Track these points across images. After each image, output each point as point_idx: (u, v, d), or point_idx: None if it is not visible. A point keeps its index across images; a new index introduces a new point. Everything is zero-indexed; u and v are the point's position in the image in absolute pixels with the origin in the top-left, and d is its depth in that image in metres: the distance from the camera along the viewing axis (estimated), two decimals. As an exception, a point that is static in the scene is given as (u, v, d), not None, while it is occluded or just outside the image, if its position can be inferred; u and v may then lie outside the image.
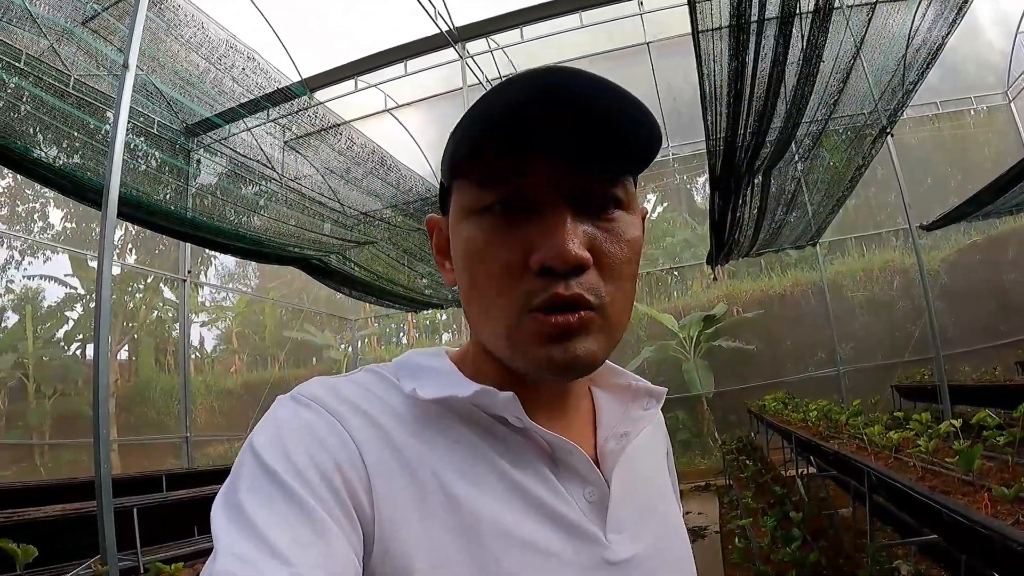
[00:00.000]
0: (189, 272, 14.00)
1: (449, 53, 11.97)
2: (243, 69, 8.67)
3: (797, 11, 5.81)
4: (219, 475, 10.58)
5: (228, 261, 26.63)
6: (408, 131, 15.51)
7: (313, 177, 10.80)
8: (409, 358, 0.91)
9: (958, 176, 17.46)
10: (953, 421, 4.73)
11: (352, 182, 10.90)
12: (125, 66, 5.31)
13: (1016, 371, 11.39)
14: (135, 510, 6.53)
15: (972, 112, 17.65)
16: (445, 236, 0.90)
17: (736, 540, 6.93)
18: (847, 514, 7.04)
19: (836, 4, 6.02)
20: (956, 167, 17.91)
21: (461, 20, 11.15)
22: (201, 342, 29.37)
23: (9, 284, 25.52)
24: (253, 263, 25.78)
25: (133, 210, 7.46)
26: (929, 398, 10.14)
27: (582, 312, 0.75)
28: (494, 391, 0.79)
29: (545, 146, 0.74)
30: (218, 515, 0.67)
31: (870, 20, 6.89)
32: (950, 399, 8.76)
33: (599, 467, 0.87)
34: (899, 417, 6.05)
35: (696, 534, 9.41)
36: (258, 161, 10.14)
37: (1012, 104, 16.98)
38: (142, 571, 5.52)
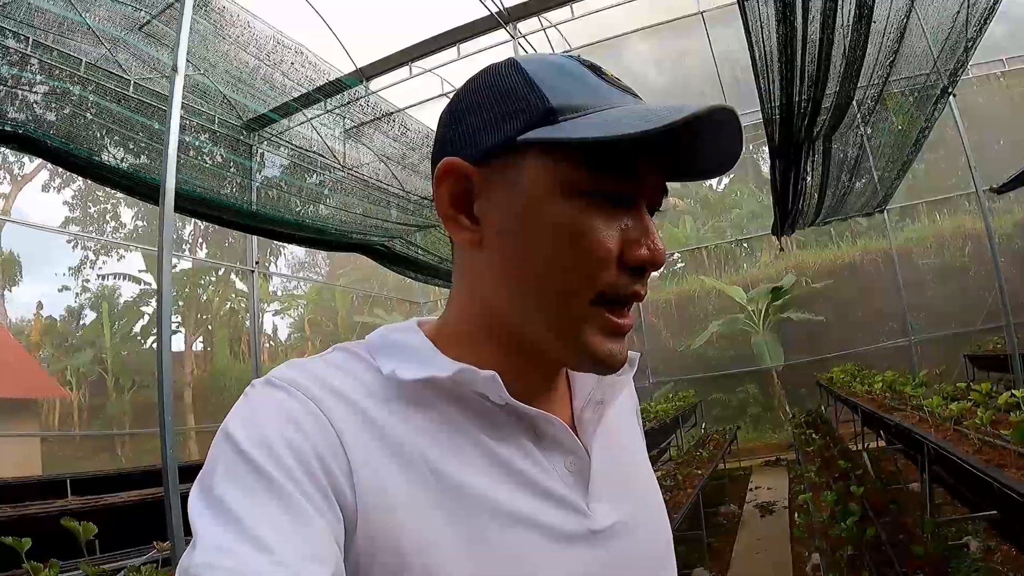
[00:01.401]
0: (257, 263, 14.09)
1: (501, 34, 11.95)
2: (292, 63, 8.77)
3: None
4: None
5: (299, 251, 27.19)
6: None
7: (372, 164, 10.88)
8: (383, 335, 0.89)
9: (1029, 137, 16.82)
10: (1016, 392, 4.60)
11: (409, 167, 10.96)
12: (174, 69, 5.39)
13: None
14: None
15: None
16: (465, 187, 0.81)
17: (798, 515, 6.85)
18: (916, 488, 6.91)
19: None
20: (1024, 127, 17.29)
21: (511, 0, 11.05)
22: (274, 330, 30.05)
23: (85, 283, 26.35)
24: (323, 252, 26.20)
25: (198, 205, 7.68)
26: (1002, 368, 9.84)
27: (629, 312, 0.80)
28: (475, 370, 0.78)
29: (654, 151, 0.76)
30: (195, 504, 0.66)
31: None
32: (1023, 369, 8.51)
33: (578, 436, 0.87)
34: (963, 388, 5.90)
35: (765, 509, 9.34)
36: (316, 152, 10.26)
37: None
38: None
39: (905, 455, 6.74)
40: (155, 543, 4.93)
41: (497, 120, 0.78)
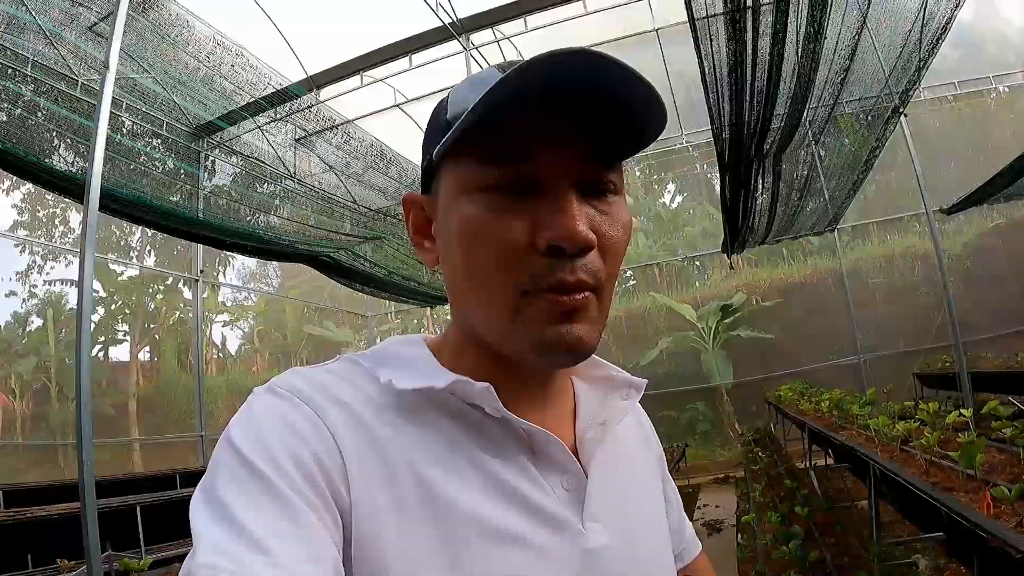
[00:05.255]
0: (202, 272, 14.03)
1: (454, 45, 12.00)
2: (232, 66, 8.66)
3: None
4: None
5: (250, 262, 26.99)
6: (417, 124, 15.49)
7: (320, 175, 10.82)
8: (386, 347, 0.90)
9: (980, 158, 17.18)
10: (964, 411, 4.58)
11: (353, 177, 10.91)
12: (105, 66, 5.32)
13: None
14: (138, 508, 6.65)
15: (992, 91, 17.39)
16: (426, 216, 0.89)
17: (742, 536, 6.81)
18: (865, 506, 6.89)
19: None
20: (978, 149, 17.73)
21: (464, 11, 11.09)
22: (224, 342, 29.67)
23: (32, 289, 25.85)
24: (274, 263, 26.07)
25: (143, 212, 7.54)
26: (950, 386, 9.94)
27: (586, 293, 0.76)
28: (470, 381, 0.78)
29: (554, 128, 0.74)
30: (197, 508, 0.67)
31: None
32: (972, 387, 8.57)
33: (578, 456, 0.86)
34: (910, 407, 5.89)
35: (712, 527, 9.31)
36: (262, 161, 10.17)
37: None
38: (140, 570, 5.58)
39: (853, 473, 6.73)
40: (59, 560, 4.80)
41: (426, 149, 0.85)
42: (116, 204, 6.96)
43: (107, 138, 6.60)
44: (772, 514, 5.86)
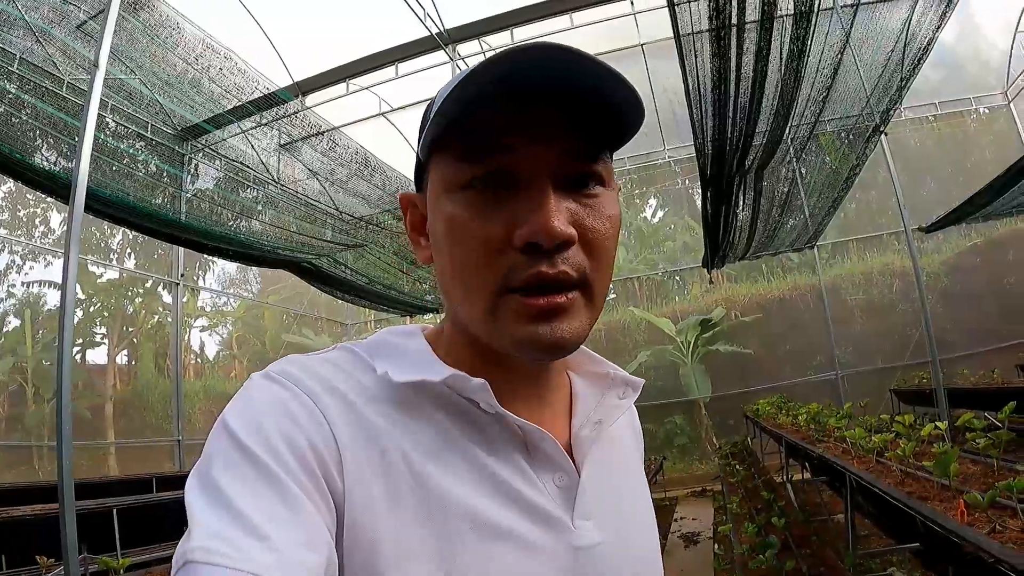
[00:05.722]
0: (182, 276, 13.96)
1: (441, 55, 12.05)
2: (220, 69, 8.62)
3: (776, 13, 5.76)
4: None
5: (230, 267, 26.82)
6: (402, 133, 15.50)
7: (304, 181, 10.80)
8: (383, 337, 0.90)
9: (959, 178, 17.44)
10: (939, 424, 4.64)
11: (337, 183, 10.90)
12: (95, 64, 5.30)
13: (1016, 373, 11.22)
14: (115, 511, 6.57)
15: (972, 112, 17.66)
16: (420, 213, 0.90)
17: (717, 547, 6.85)
18: (841, 520, 6.94)
19: (822, 5, 5.95)
20: (957, 168, 17.96)
21: (452, 22, 11.17)
22: (202, 347, 29.48)
23: (11, 289, 25.65)
24: (254, 269, 25.92)
25: (125, 213, 7.49)
26: (927, 402, 10.06)
27: (569, 294, 0.75)
28: (467, 376, 0.78)
29: (529, 122, 0.74)
30: (192, 491, 0.66)
31: (855, 14, 6.80)
32: (948, 403, 8.67)
33: (572, 453, 0.86)
34: (887, 420, 5.95)
35: (689, 540, 9.33)
36: (246, 165, 10.14)
37: (1012, 104, 16.90)
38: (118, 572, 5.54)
39: (830, 487, 6.78)
40: (38, 558, 4.79)
41: (421, 147, 0.83)
42: (99, 204, 6.93)
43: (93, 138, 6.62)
44: (749, 525, 5.90)
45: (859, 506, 4.99)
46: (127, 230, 19.87)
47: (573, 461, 0.85)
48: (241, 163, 10.10)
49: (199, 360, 28.18)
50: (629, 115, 0.76)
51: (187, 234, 8.55)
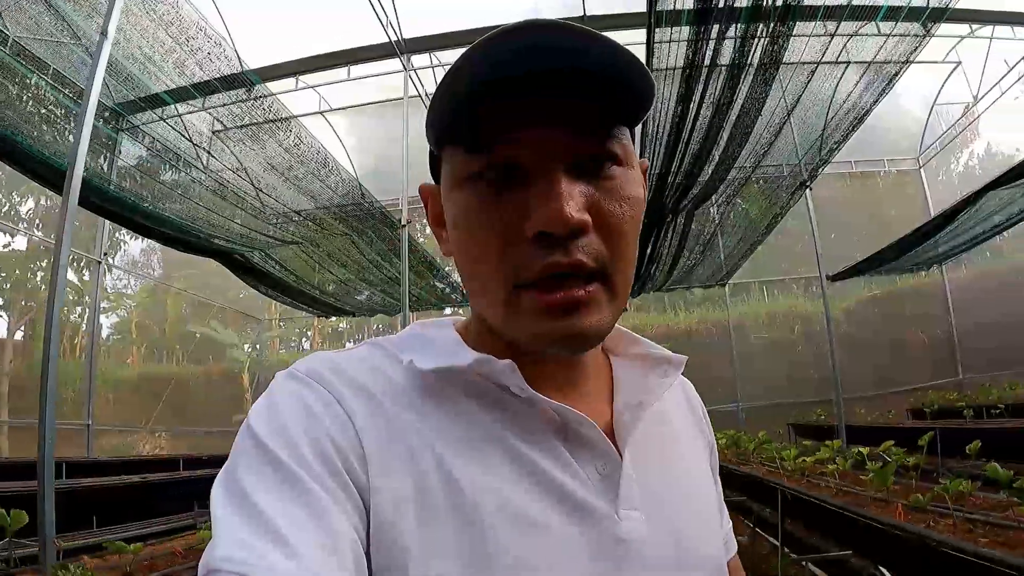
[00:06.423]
0: (105, 254, 13.38)
1: (390, 64, 12.33)
2: (208, 54, 8.28)
3: (748, 61, 6.20)
4: (123, 467, 10.49)
5: (133, 249, 25.95)
6: (337, 135, 15.56)
7: (250, 170, 10.46)
8: (412, 330, 0.89)
9: (863, 232, 18.39)
10: (862, 449, 5.13)
11: (272, 171, 10.38)
12: (103, 33, 5.20)
13: (907, 416, 12.27)
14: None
15: (884, 174, 18.97)
16: (440, 205, 0.86)
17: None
18: (744, 541, 7.29)
19: (784, 59, 6.44)
20: (863, 223, 18.87)
21: (408, 33, 11.18)
22: (98, 329, 28.41)
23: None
24: (158, 254, 25.11)
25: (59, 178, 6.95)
26: (824, 436, 10.55)
27: (588, 287, 0.72)
28: (493, 359, 0.76)
29: (534, 106, 0.72)
30: (217, 496, 0.67)
31: (809, 82, 7.35)
32: (847, 438, 9.27)
33: (615, 438, 0.83)
34: (807, 446, 6.40)
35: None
36: (177, 150, 9.82)
37: (922, 170, 18.31)
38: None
39: (739, 510, 7.10)
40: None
41: (430, 139, 0.81)
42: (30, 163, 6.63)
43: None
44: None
45: (788, 534, 5.36)
46: (42, 197, 19.35)
47: (616, 447, 0.81)
48: (176, 149, 9.73)
49: (96, 342, 27.13)
50: (638, 85, 0.72)
51: (118, 208, 8.31)
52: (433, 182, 0.89)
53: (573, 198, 0.70)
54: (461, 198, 0.76)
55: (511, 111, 0.71)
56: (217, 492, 0.67)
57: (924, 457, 4.86)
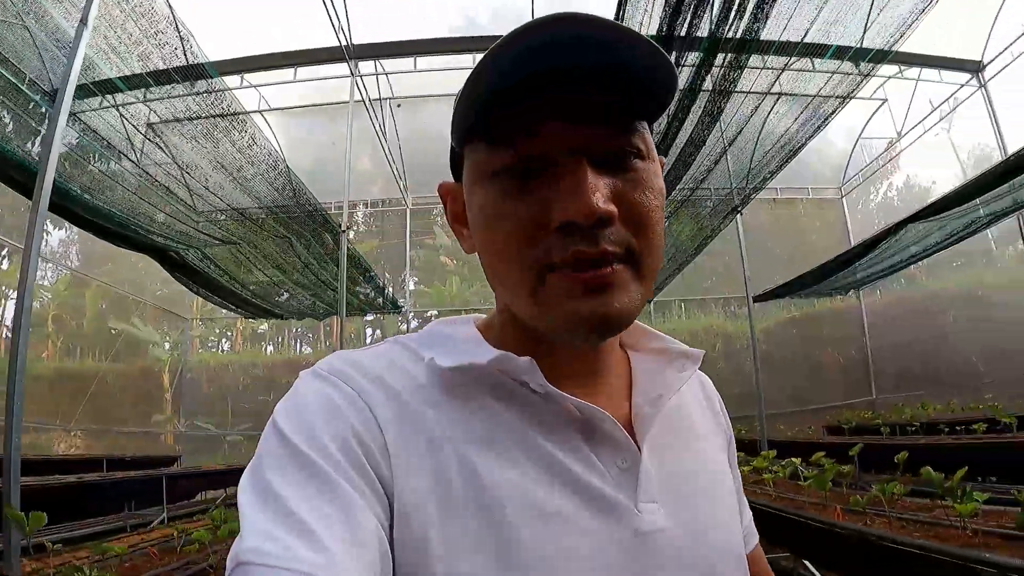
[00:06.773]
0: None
1: (336, 68, 12.28)
2: (175, 49, 8.07)
3: (701, 87, 6.52)
4: (46, 466, 10.21)
5: (52, 239, 25.24)
6: (275, 135, 15.43)
7: (178, 164, 10.07)
8: (433, 328, 0.91)
9: (784, 256, 19.32)
10: (793, 459, 5.47)
11: (219, 169, 10.06)
12: (83, 22, 5.20)
13: (824, 433, 13.01)
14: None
15: (807, 201, 19.80)
16: (461, 203, 0.87)
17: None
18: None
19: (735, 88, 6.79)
20: (786, 247, 19.62)
21: (356, 40, 11.40)
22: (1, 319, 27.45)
23: None
24: (76, 246, 24.41)
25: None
26: (747, 450, 10.96)
27: (614, 266, 0.72)
28: (513, 356, 0.77)
29: (558, 101, 0.72)
30: (244, 492, 0.68)
31: (752, 115, 7.75)
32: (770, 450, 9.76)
33: (634, 433, 0.83)
34: (741, 456, 6.74)
35: None
36: (107, 141, 9.44)
37: (844, 199, 19.25)
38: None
39: None
40: None
41: (454, 135, 0.81)
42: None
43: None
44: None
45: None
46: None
47: (635, 441, 0.81)
48: (107, 139, 9.37)
49: (7, 336, 26.29)
50: (663, 81, 0.72)
51: (55, 198, 7.63)
52: (453, 180, 0.90)
53: (599, 190, 0.70)
54: (485, 194, 0.76)
55: (535, 106, 0.72)
56: (244, 486, 0.68)
57: (851, 468, 5.21)
